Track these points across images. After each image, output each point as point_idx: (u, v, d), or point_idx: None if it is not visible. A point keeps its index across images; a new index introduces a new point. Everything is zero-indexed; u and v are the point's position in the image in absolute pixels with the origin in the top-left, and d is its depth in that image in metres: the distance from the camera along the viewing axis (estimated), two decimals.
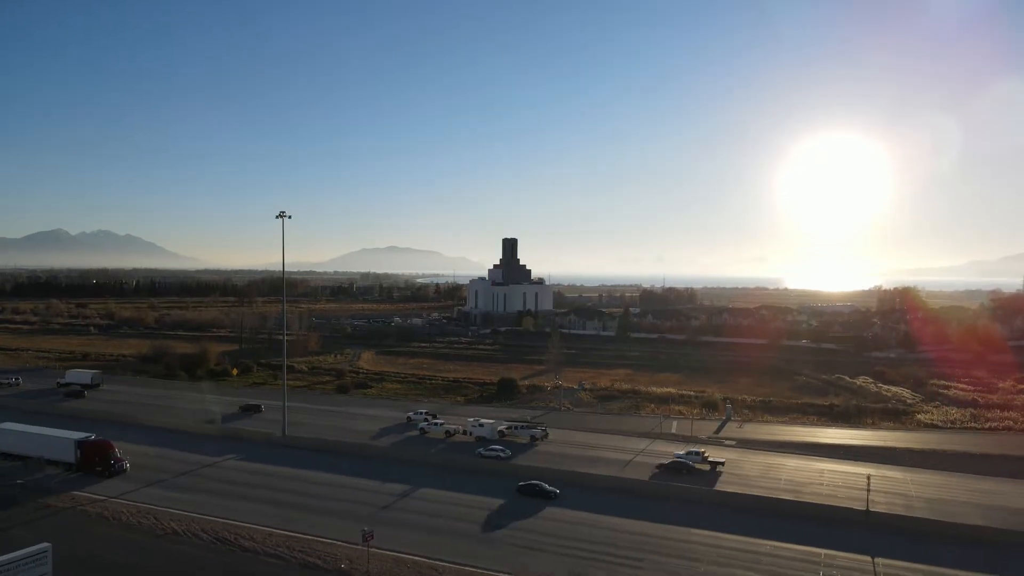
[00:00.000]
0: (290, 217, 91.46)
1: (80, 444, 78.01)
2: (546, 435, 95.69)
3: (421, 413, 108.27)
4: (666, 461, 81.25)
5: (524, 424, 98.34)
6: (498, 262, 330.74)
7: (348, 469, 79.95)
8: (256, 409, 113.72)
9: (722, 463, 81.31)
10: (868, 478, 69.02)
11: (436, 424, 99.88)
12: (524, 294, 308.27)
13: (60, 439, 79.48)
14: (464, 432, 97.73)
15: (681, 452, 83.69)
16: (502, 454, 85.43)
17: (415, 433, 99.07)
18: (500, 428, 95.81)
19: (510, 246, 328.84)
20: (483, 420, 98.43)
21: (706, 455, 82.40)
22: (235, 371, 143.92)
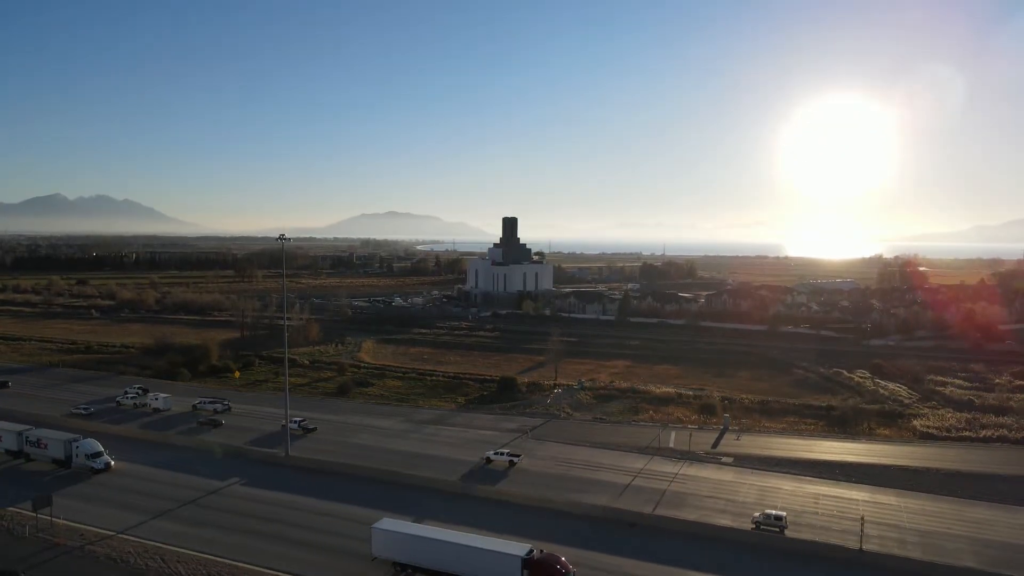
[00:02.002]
0: (290, 240, 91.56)
1: (527, 562, 59.65)
2: (228, 409, 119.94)
3: (135, 387, 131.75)
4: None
5: (211, 400, 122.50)
6: (498, 241, 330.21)
7: None
8: (3, 385, 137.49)
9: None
10: (862, 520, 70.08)
11: (129, 398, 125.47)
12: (524, 274, 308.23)
13: (497, 554, 60.20)
14: (146, 404, 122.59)
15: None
16: (84, 412, 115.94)
17: (113, 405, 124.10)
18: (194, 403, 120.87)
19: (510, 225, 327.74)
20: (160, 395, 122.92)
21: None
22: (237, 373, 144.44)
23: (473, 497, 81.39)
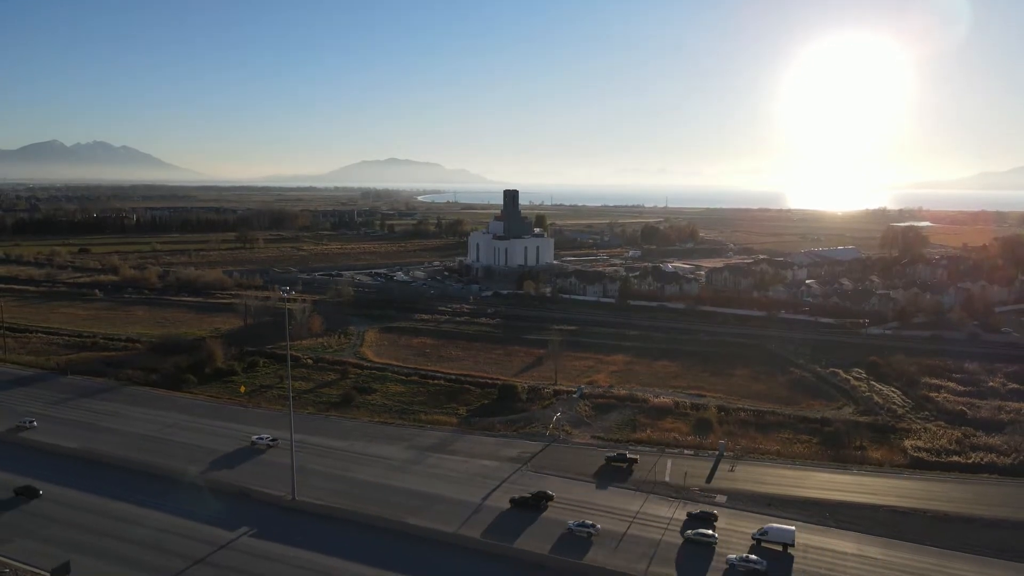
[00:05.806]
0: (293, 293, 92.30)
1: None
2: None
3: None
4: None
5: None
6: (499, 213, 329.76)
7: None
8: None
9: None
10: None
11: None
12: (525, 248, 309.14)
13: None
14: None
15: None
16: None
17: None
18: None
19: (511, 198, 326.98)
20: None
21: None
22: (243, 387, 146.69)
23: (480, 552, 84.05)
